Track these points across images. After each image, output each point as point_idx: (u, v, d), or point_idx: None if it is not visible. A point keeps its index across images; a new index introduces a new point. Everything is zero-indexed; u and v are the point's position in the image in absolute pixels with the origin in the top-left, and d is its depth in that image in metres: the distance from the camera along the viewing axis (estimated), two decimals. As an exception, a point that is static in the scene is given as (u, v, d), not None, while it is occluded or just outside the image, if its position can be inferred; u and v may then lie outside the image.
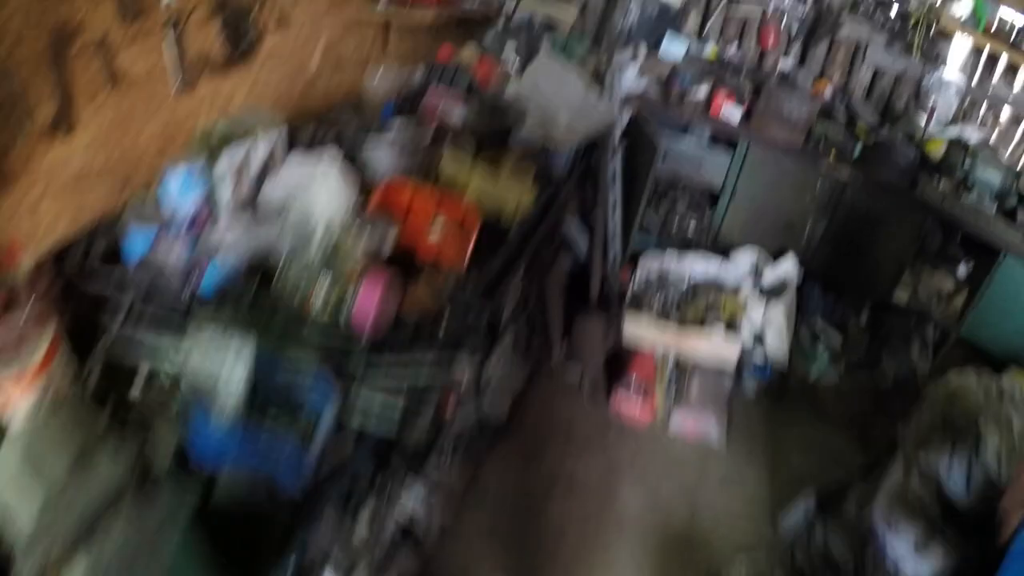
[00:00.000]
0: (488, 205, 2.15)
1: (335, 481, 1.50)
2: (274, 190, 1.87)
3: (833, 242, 3.64)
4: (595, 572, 2.62)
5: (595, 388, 3.36)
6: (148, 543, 1.11)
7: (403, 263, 1.87)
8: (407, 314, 1.76)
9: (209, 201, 1.82)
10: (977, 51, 3.89)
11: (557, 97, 2.56)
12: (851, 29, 3.82)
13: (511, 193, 2.16)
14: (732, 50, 3.86)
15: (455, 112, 2.55)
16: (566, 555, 2.65)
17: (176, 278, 1.66)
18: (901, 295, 3.54)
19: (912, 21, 3.73)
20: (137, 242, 1.69)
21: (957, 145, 3.44)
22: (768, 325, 3.38)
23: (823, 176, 3.46)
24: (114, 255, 1.72)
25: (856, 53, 3.95)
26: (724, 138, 3.54)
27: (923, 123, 3.80)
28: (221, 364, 1.34)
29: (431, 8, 2.96)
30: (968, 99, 3.94)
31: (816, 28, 3.81)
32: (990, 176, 3.37)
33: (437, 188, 2.11)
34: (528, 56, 2.97)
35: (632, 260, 3.57)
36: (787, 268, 3.51)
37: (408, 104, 2.67)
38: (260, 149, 1.97)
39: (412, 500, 2.02)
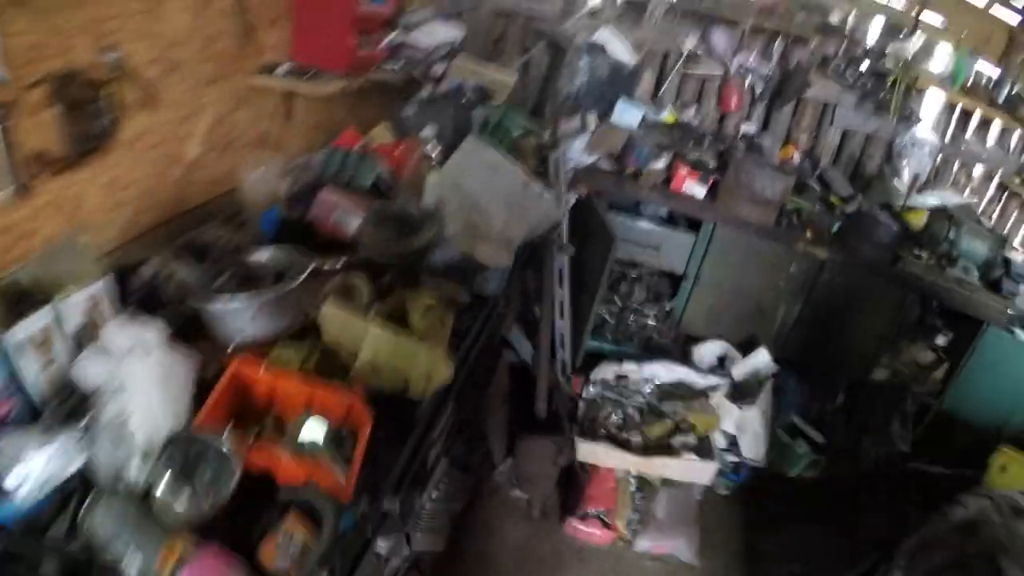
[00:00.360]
0: (389, 377, 1.72)
1: None
2: (86, 377, 1.44)
3: (808, 325, 3.51)
4: None
5: (547, 512, 2.99)
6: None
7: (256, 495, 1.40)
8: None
9: (10, 387, 1.40)
10: (950, 107, 3.88)
11: (489, 193, 2.27)
12: (819, 89, 3.64)
13: (421, 359, 1.71)
14: (691, 113, 3.56)
15: (352, 223, 2.13)
16: None
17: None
18: (879, 371, 3.46)
19: (891, 80, 3.62)
20: None
21: (940, 215, 3.38)
22: (743, 431, 3.02)
23: (798, 257, 3.31)
24: None
25: (824, 114, 3.74)
26: (687, 217, 3.20)
27: (898, 188, 3.73)
28: None
29: (339, 74, 2.58)
30: (940, 157, 3.91)
31: (782, 89, 3.54)
32: (976, 247, 3.31)
33: (309, 372, 1.70)
34: (456, 135, 2.62)
35: (584, 366, 3.15)
36: (760, 361, 3.22)
37: (298, 210, 2.25)
38: (73, 309, 1.53)
39: None
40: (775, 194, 3.15)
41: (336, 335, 1.71)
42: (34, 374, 1.44)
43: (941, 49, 3.69)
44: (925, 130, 3.80)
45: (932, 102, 3.83)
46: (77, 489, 1.32)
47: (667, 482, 3.02)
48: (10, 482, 1.24)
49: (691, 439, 2.96)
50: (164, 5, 2.03)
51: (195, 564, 1.17)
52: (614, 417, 3.03)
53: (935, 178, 3.95)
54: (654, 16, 3.63)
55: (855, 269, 3.30)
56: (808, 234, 3.25)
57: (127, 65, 1.95)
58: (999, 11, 3.84)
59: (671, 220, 3.39)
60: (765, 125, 3.88)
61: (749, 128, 3.73)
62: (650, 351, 3.40)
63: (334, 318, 1.71)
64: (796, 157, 3.67)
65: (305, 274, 1.76)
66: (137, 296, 1.81)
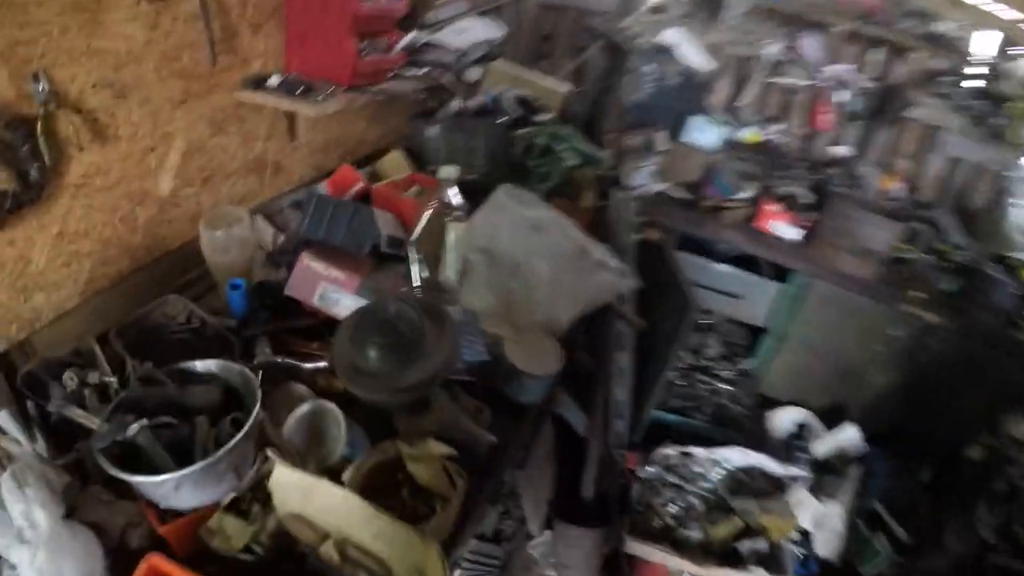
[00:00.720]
0: (365, 566, 1.27)
1: None
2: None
3: (903, 395, 3.07)
4: None
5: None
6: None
7: None
8: None
9: None
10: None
11: (531, 261, 1.81)
12: (924, 109, 3.15)
13: (410, 550, 1.23)
14: (776, 131, 3.01)
15: (342, 302, 1.74)
16: None
17: None
18: (974, 449, 2.96)
19: (1009, 104, 3.06)
20: None
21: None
22: (820, 527, 2.58)
23: (902, 317, 2.86)
24: None
25: (928, 139, 3.23)
26: (774, 263, 2.72)
27: (1014, 236, 3.14)
28: None
29: (342, 86, 2.11)
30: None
31: (882, 106, 3.00)
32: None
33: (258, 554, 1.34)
34: (491, 164, 2.24)
35: (644, 438, 2.71)
36: (847, 439, 2.76)
37: (277, 278, 1.89)
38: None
39: None
40: (881, 245, 2.66)
41: (294, 506, 1.30)
42: None
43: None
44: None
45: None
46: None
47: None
48: None
49: (761, 546, 2.50)
50: (101, 18, 1.64)
51: None
52: (673, 507, 2.59)
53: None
54: (731, 14, 3.07)
55: (968, 334, 2.84)
56: (916, 292, 2.74)
57: (62, 95, 1.62)
58: None
59: (752, 262, 2.90)
60: (860, 148, 3.34)
61: (842, 151, 3.20)
62: (721, 422, 2.95)
63: (287, 484, 1.30)
64: (897, 189, 3.13)
65: (248, 425, 1.35)
66: (54, 419, 1.49)
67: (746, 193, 2.72)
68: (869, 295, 2.83)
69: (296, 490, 1.33)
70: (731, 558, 2.51)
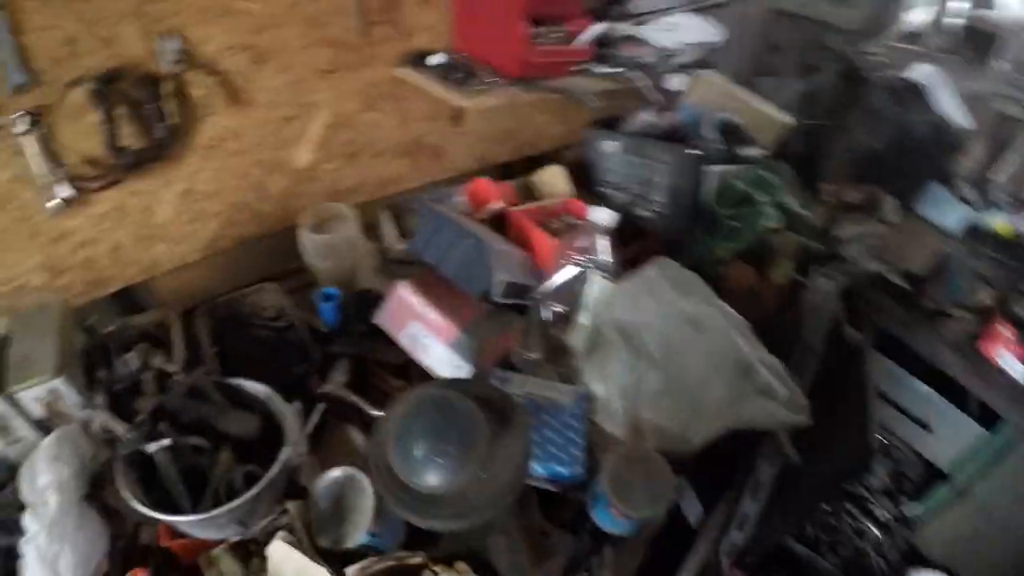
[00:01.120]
0: None
1: None
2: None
3: None
4: None
5: None
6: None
7: None
8: None
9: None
10: None
11: (677, 362, 1.41)
12: None
13: None
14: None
15: (432, 351, 1.47)
16: None
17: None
18: None
19: None
20: None
21: None
22: None
23: None
24: None
25: None
26: (983, 398, 2.06)
27: None
28: None
29: (506, 80, 1.79)
30: None
31: None
32: None
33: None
34: (673, 206, 1.78)
35: (759, 564, 2.23)
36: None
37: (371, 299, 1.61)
38: (31, 402, 1.32)
39: None
40: None
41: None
42: (2, 445, 1.37)
43: None
44: None
45: None
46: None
47: None
48: None
49: None
50: (243, -22, 1.47)
51: None
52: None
53: None
54: (1005, 60, 2.31)
55: None
56: None
57: (195, 56, 1.51)
58: None
59: (959, 389, 2.22)
60: None
61: None
62: (850, 571, 2.37)
63: (284, 559, 1.13)
64: None
65: (259, 488, 1.16)
66: (120, 387, 1.43)
67: (978, 302, 2.05)
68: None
69: (291, 569, 1.15)
70: None
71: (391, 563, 1.16)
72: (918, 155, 2.26)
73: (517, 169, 2.35)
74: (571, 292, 1.46)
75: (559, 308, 1.46)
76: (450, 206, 1.78)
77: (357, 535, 1.21)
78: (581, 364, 1.45)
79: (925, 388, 2.17)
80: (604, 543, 1.33)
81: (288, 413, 1.32)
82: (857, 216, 2.14)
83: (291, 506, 1.26)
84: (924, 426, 2.21)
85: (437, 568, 1.15)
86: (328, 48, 1.69)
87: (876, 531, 2.37)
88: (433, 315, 1.42)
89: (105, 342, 1.45)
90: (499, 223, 1.71)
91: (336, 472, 1.30)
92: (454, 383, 1.28)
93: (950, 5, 2.40)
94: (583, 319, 1.45)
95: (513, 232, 1.67)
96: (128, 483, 1.20)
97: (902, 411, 2.19)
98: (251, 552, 1.26)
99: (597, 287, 1.44)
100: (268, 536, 1.26)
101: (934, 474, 2.33)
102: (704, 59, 2.15)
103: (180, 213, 1.72)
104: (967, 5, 2.37)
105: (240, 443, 1.30)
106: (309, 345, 1.57)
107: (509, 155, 2.24)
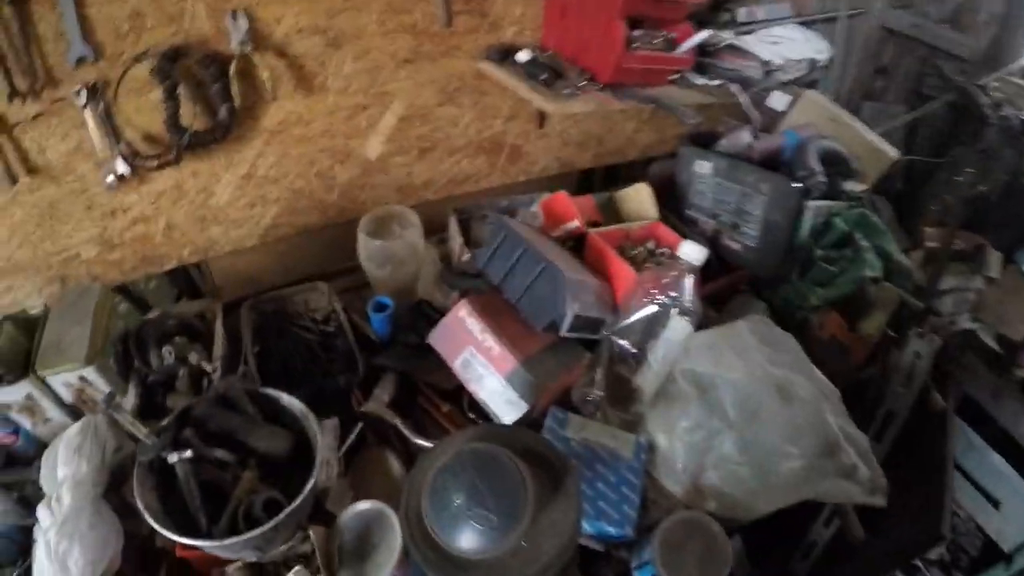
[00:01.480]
0: None
1: None
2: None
3: None
4: None
5: None
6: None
7: None
8: None
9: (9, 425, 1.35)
10: None
11: (755, 427, 1.19)
12: None
13: None
14: None
15: (486, 383, 1.29)
16: None
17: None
18: None
19: None
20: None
21: None
22: None
23: None
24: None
25: None
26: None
27: None
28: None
29: (596, 85, 1.60)
30: None
31: None
32: None
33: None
34: (765, 240, 1.55)
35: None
36: None
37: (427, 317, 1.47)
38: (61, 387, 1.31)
39: None
40: None
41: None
42: (29, 426, 1.37)
43: None
44: None
45: None
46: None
47: None
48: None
49: None
50: (320, -42, 1.40)
51: None
52: None
53: None
54: None
55: None
56: None
57: (264, 37, 1.41)
58: None
59: None
60: None
61: None
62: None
63: None
64: None
65: (276, 521, 1.03)
66: (154, 379, 1.34)
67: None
68: None
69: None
70: None
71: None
72: (1025, 205, 1.97)
73: (599, 177, 2.20)
74: (646, 332, 1.27)
75: (631, 347, 1.27)
76: (525, 217, 1.61)
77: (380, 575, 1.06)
78: (647, 411, 1.27)
79: (1001, 462, 1.89)
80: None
81: (322, 436, 1.18)
82: (959, 267, 1.87)
83: (314, 533, 1.15)
84: (993, 502, 1.93)
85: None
86: (408, 35, 1.56)
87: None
88: (492, 342, 1.26)
89: (142, 331, 1.33)
90: (576, 243, 1.54)
91: (365, 505, 1.18)
92: (503, 433, 1.11)
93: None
94: (656, 363, 1.26)
95: (590, 256, 1.49)
96: (145, 490, 1.10)
97: (971, 481, 1.91)
98: (266, 574, 1.17)
99: (676, 331, 1.25)
100: (286, 562, 1.17)
101: (994, 553, 2.05)
102: (808, 77, 1.90)
103: (239, 197, 1.64)
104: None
105: (267, 459, 1.17)
106: (356, 355, 1.45)
107: (592, 161, 2.07)
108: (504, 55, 1.64)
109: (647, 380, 1.24)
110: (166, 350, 1.32)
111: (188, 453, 1.13)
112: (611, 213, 1.65)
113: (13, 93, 1.24)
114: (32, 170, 1.36)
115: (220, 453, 1.16)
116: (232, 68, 1.37)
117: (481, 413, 1.31)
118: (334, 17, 1.44)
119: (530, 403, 1.20)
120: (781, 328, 1.38)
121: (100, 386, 1.31)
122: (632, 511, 1.15)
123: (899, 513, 1.45)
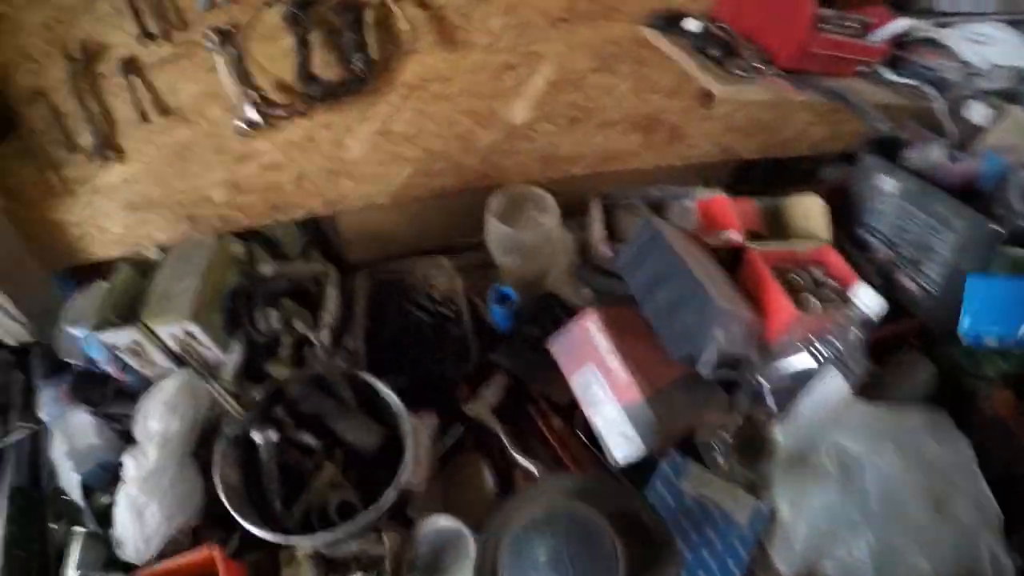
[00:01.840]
0: None
1: None
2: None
3: None
4: None
5: None
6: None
7: None
8: None
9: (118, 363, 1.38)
10: None
11: (889, 534, 1.00)
12: None
13: None
14: None
15: (601, 407, 1.17)
16: None
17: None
18: None
19: None
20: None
21: None
22: None
23: None
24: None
25: None
26: None
27: None
28: None
29: (772, 70, 1.32)
30: None
31: None
32: None
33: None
34: (946, 291, 1.23)
35: None
36: None
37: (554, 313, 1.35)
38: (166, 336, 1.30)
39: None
40: None
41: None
42: (137, 366, 1.38)
43: None
44: None
45: None
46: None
47: None
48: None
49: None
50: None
51: None
52: None
53: None
54: None
55: None
56: None
57: None
58: None
59: None
60: None
61: None
62: None
63: None
64: None
65: (364, 520, 1.01)
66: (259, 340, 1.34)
67: None
68: None
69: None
70: None
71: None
72: None
73: (761, 167, 1.93)
74: (796, 382, 1.06)
75: (773, 397, 1.07)
76: (678, 213, 1.42)
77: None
78: (776, 473, 1.07)
79: None
80: None
81: (416, 434, 1.10)
82: None
83: (389, 539, 1.10)
84: None
85: None
86: (564, -7, 1.40)
87: None
88: (617, 365, 1.11)
89: (253, 290, 1.30)
90: (730, 256, 1.33)
91: (446, 522, 1.11)
92: (603, 490, 0.96)
93: None
94: (800, 421, 1.06)
95: (745, 275, 1.29)
96: (226, 463, 1.10)
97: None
98: (333, 567, 1.12)
99: (830, 389, 1.04)
100: (357, 558, 1.12)
101: None
102: (1014, 90, 1.52)
103: (372, 152, 1.56)
104: None
105: (350, 457, 1.11)
106: (469, 345, 1.36)
107: (758, 152, 1.81)
108: (670, 22, 1.42)
109: (786, 437, 1.05)
110: (272, 314, 1.29)
111: (273, 436, 1.10)
112: (775, 222, 1.41)
113: (145, 35, 1.23)
114: (164, 111, 1.36)
115: (307, 438, 1.13)
116: (368, 16, 1.28)
117: (593, 437, 1.17)
118: (481, -34, 1.31)
119: (648, 445, 1.05)
120: (945, 399, 1.17)
121: (204, 341, 1.31)
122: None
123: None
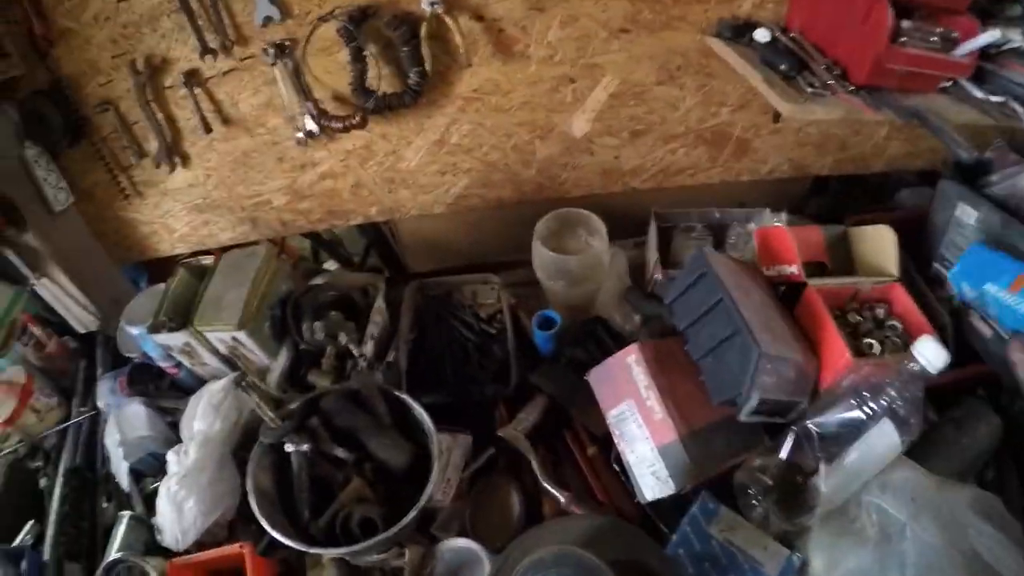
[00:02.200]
0: None
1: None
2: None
3: None
4: None
5: None
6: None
7: None
8: None
9: (170, 359, 1.50)
10: None
11: None
12: None
13: None
14: None
15: (625, 446, 1.15)
16: None
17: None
18: None
19: None
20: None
21: None
22: None
23: None
24: None
25: None
26: None
27: None
28: None
29: (846, 86, 1.26)
30: None
31: None
32: None
33: None
34: None
35: None
36: None
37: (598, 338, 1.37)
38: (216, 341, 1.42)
39: None
40: None
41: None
42: (189, 365, 1.49)
43: None
44: None
45: None
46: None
47: None
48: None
49: None
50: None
51: None
52: None
53: None
54: None
55: None
56: None
57: None
58: None
59: None
60: None
61: None
62: None
63: None
64: None
65: (385, 536, 1.04)
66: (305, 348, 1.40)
67: None
68: None
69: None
70: None
71: None
72: None
73: (832, 187, 1.86)
74: (846, 431, 1.01)
75: (820, 444, 1.02)
76: (738, 238, 1.38)
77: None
78: (812, 524, 1.02)
79: None
80: None
81: (446, 453, 1.15)
82: None
83: (410, 553, 1.13)
84: None
85: None
86: (624, 0, 1.36)
87: None
88: (655, 403, 1.08)
89: (301, 299, 1.35)
90: (789, 290, 1.26)
91: (465, 543, 1.13)
92: (620, 539, 0.95)
93: None
94: (845, 476, 1.00)
95: (803, 312, 1.22)
96: (259, 468, 1.15)
97: None
98: (356, 573, 1.17)
99: (881, 443, 0.97)
100: (381, 566, 1.16)
101: None
102: None
103: (429, 163, 1.61)
104: None
105: (379, 473, 1.14)
106: (511, 366, 1.37)
107: (830, 168, 1.73)
108: (739, 32, 1.37)
109: (828, 488, 1.00)
110: (317, 326, 1.33)
111: (306, 447, 1.14)
112: (840, 251, 1.33)
113: (205, 50, 1.31)
114: (226, 121, 1.44)
115: (339, 451, 1.17)
116: (423, 30, 1.30)
117: (626, 469, 1.15)
118: (538, -24, 1.31)
119: (679, 487, 1.03)
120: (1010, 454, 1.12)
121: (252, 348, 1.38)
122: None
123: None
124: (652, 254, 1.43)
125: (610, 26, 1.39)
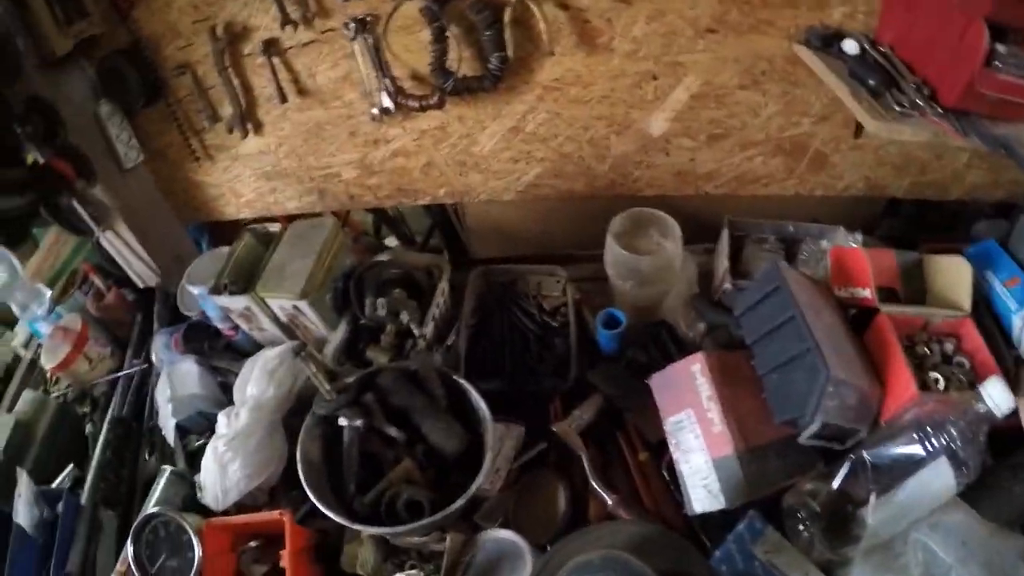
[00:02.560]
0: None
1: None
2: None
3: None
4: None
5: None
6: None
7: None
8: None
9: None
10: None
11: None
12: None
13: None
14: None
15: (682, 457, 1.15)
16: None
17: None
18: None
19: None
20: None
21: None
22: None
23: None
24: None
25: None
26: None
27: None
28: None
29: (935, 109, 1.22)
30: None
31: None
32: None
33: None
34: None
35: None
36: None
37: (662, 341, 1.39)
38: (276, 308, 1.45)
39: None
40: None
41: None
42: (247, 328, 1.53)
43: None
44: None
45: None
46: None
47: None
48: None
49: None
50: None
51: None
52: None
53: None
54: None
55: None
56: None
57: None
58: None
59: None
60: None
61: None
62: None
63: None
64: None
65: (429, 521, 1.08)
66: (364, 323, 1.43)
67: None
68: None
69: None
70: None
71: None
72: None
73: (906, 212, 1.81)
74: (902, 464, 1.00)
75: (874, 475, 1.01)
76: (811, 255, 1.38)
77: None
78: (856, 556, 1.02)
79: None
80: None
81: (500, 442, 1.20)
82: None
83: (451, 540, 1.15)
84: None
85: None
86: (715, 1, 1.36)
87: None
88: (716, 415, 1.10)
89: (365, 274, 1.39)
90: (861, 314, 1.25)
91: (507, 535, 1.15)
92: (663, 546, 0.96)
93: None
94: (895, 510, 0.99)
95: (872, 338, 1.21)
96: (310, 439, 1.20)
97: None
98: (393, 552, 1.20)
99: (936, 481, 0.96)
100: (419, 550, 1.19)
101: None
102: None
103: (503, 149, 1.63)
104: None
105: (430, 457, 1.18)
106: (571, 362, 1.39)
107: (907, 191, 1.68)
108: (827, 41, 1.35)
109: (877, 521, 1.00)
110: (380, 302, 1.37)
111: (359, 423, 1.18)
112: (912, 280, 1.31)
113: (286, 20, 1.35)
114: (302, 91, 1.49)
115: (391, 430, 1.21)
116: (507, 15, 1.32)
117: (677, 479, 1.16)
118: (627, -32, 1.32)
119: (729, 503, 1.04)
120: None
121: (312, 318, 1.42)
122: None
123: None
124: (722, 262, 1.44)
125: (697, 25, 1.39)
